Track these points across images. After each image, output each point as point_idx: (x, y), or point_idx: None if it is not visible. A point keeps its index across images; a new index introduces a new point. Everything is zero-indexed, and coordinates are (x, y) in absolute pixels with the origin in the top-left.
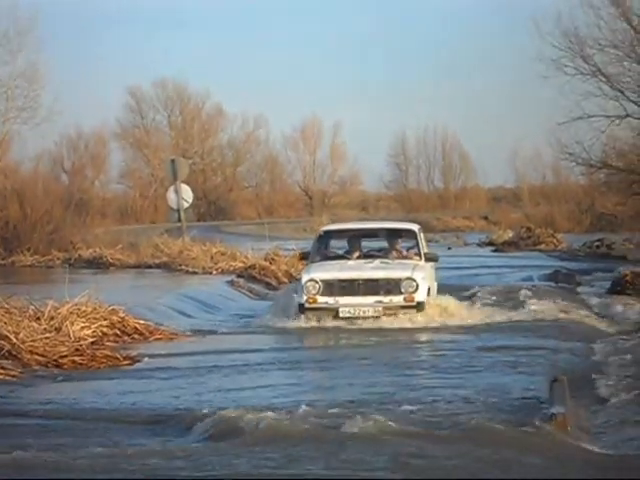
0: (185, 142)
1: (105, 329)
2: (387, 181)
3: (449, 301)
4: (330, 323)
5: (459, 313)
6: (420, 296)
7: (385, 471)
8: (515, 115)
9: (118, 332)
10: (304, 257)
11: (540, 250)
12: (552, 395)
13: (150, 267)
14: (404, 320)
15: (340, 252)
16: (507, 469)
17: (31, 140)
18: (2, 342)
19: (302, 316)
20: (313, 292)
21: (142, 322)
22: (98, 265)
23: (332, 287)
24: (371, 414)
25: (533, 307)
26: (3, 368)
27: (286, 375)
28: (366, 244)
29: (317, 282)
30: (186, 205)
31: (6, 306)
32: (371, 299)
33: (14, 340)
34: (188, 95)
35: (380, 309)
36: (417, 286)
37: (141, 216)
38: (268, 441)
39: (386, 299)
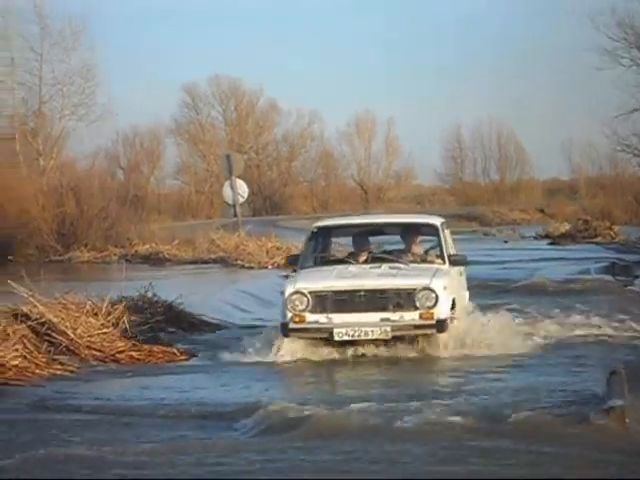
0: (240, 137)
1: (162, 324)
2: (442, 174)
3: (481, 319)
4: (317, 355)
5: (499, 336)
6: (442, 312)
7: (438, 465)
8: (569, 107)
9: (175, 326)
10: (292, 261)
11: (597, 242)
12: (610, 388)
13: (206, 262)
14: (411, 348)
15: (342, 255)
16: (566, 463)
17: (87, 137)
18: (60, 337)
19: (285, 342)
20: (300, 308)
21: (198, 317)
22: (154, 261)
23: (325, 301)
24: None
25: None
26: (61, 363)
27: None
28: (386, 241)
29: (305, 295)
30: (241, 200)
31: (63, 302)
32: (376, 316)
33: (72, 335)
34: (242, 91)
35: (388, 329)
36: (437, 299)
37: (197, 212)
38: (317, 436)
39: (396, 316)
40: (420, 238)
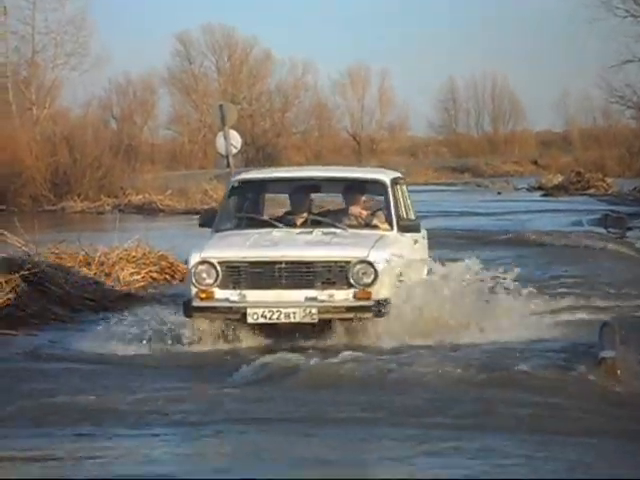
0: (233, 88)
1: (155, 274)
2: (436, 126)
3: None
4: (225, 343)
5: (461, 318)
6: (382, 291)
7: (426, 415)
8: (563, 59)
9: (168, 277)
10: (205, 222)
11: (590, 194)
12: (601, 340)
13: (199, 212)
14: (352, 332)
15: (275, 216)
16: (555, 414)
17: (80, 87)
18: (53, 287)
19: (188, 325)
20: (207, 282)
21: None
22: (148, 211)
23: (238, 274)
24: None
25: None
26: (54, 313)
27: None
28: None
29: (213, 266)
30: (235, 151)
31: (57, 252)
32: (300, 294)
33: (65, 285)
34: (236, 40)
35: (314, 311)
36: (376, 274)
37: (190, 162)
38: (310, 385)
39: (324, 295)
40: (364, 198)
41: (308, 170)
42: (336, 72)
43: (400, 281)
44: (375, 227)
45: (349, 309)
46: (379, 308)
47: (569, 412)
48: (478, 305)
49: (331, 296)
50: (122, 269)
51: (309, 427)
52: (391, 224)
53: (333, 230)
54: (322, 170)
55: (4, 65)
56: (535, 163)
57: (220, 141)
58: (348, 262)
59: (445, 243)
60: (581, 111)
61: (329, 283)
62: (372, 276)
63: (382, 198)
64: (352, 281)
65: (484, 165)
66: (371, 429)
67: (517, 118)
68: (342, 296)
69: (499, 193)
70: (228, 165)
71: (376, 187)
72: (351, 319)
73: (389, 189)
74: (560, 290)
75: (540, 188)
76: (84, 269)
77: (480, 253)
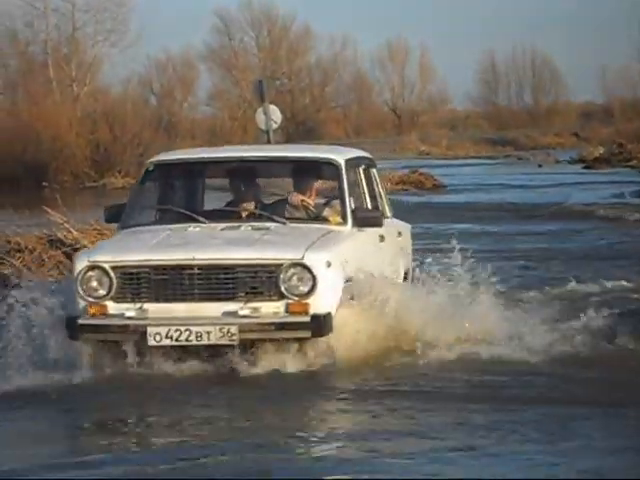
0: (273, 63)
1: None
2: (476, 98)
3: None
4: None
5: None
6: (322, 303)
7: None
8: (604, 30)
9: None
10: (111, 217)
11: (632, 166)
12: None
13: None
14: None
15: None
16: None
17: (120, 63)
18: None
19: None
20: (99, 293)
21: None
22: None
23: (138, 283)
24: None
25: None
26: None
27: None
28: None
29: (106, 272)
30: (275, 126)
31: (98, 227)
32: (217, 308)
33: None
34: (275, 15)
35: (233, 330)
36: (314, 281)
37: (230, 138)
38: None
39: (247, 309)
40: (317, 183)
41: (241, 150)
42: (376, 46)
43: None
44: (325, 220)
45: (279, 327)
46: (319, 325)
47: None
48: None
49: (256, 310)
50: None
51: None
52: (344, 217)
53: (268, 225)
54: (259, 150)
55: (45, 43)
56: (576, 135)
57: (260, 116)
58: (278, 266)
59: (487, 217)
60: (622, 82)
61: (255, 293)
62: (309, 283)
63: (337, 185)
64: (284, 290)
65: (525, 138)
66: None
67: (558, 90)
68: (271, 310)
69: (540, 166)
70: (269, 141)
71: (326, 170)
72: (282, 340)
73: (342, 172)
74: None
75: (581, 160)
76: None
77: (524, 227)
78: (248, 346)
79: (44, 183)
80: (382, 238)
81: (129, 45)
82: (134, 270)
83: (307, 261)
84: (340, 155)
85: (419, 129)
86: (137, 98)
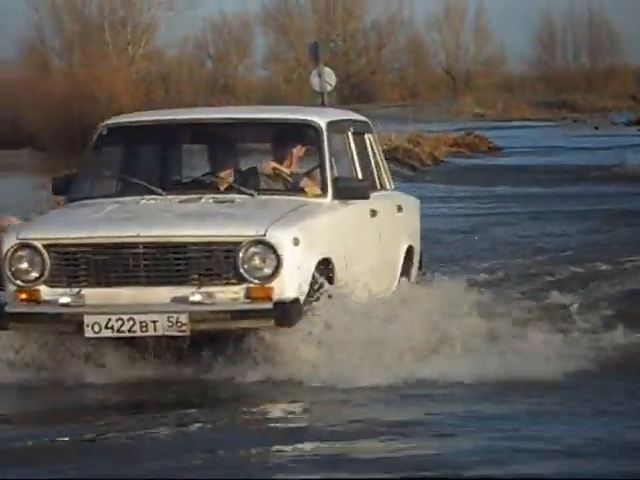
0: (328, 25)
1: None
2: (532, 61)
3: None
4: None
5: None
6: (288, 287)
7: None
8: None
9: None
10: (60, 189)
11: None
12: None
13: None
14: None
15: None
16: None
17: (176, 26)
18: None
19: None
20: (30, 276)
21: None
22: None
23: (75, 264)
24: None
25: None
26: None
27: None
28: None
29: (38, 251)
30: (329, 88)
31: None
32: (166, 294)
33: None
34: None
35: (183, 319)
36: (279, 261)
37: (286, 100)
38: None
39: (199, 294)
40: (297, 149)
41: (206, 111)
42: (432, 7)
43: (329, 277)
44: (301, 192)
45: (237, 315)
46: (284, 313)
47: None
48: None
49: (211, 296)
50: None
51: None
52: (324, 187)
53: (233, 197)
54: (226, 111)
55: (101, 6)
56: (633, 98)
57: (315, 79)
58: (237, 244)
59: (543, 180)
60: None
61: (210, 276)
62: (273, 264)
63: (316, 150)
64: (243, 272)
65: (581, 100)
66: None
67: (615, 52)
68: (228, 295)
69: (596, 128)
70: (323, 103)
71: (305, 133)
72: (240, 331)
73: (323, 136)
74: None
75: (638, 123)
76: None
77: (582, 189)
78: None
79: None
80: (373, 213)
81: (185, 8)
82: (71, 249)
83: (270, 238)
84: (321, 117)
85: (474, 91)
86: (192, 61)
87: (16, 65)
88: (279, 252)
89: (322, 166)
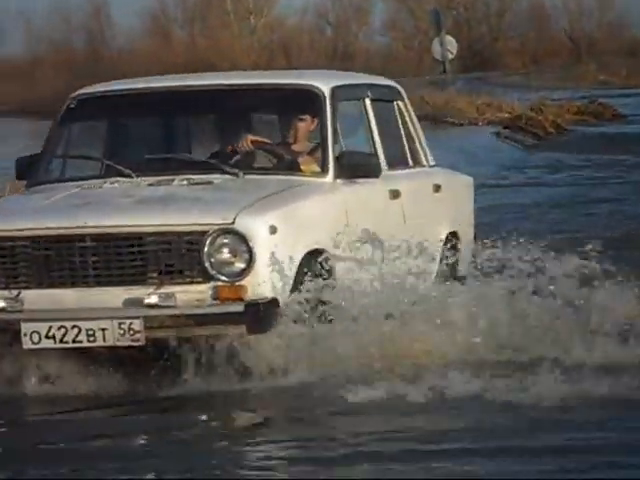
0: None
1: None
2: None
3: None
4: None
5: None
6: (263, 286)
7: None
8: None
9: None
10: (24, 171)
11: None
12: None
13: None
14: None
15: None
16: None
17: None
18: None
19: None
20: None
21: None
22: None
23: (13, 261)
24: None
25: None
26: None
27: None
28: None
29: None
30: (451, 56)
31: None
32: (117, 295)
33: None
34: None
35: (137, 325)
36: (251, 255)
37: (406, 68)
38: None
39: (159, 295)
40: (307, 124)
41: (191, 78)
42: None
43: (326, 271)
44: (296, 170)
45: (201, 320)
46: (257, 317)
47: None
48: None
49: (171, 297)
50: None
51: None
52: (324, 164)
53: (213, 178)
54: (211, 77)
55: None
56: None
57: (436, 47)
58: (202, 234)
59: None
60: None
61: (171, 274)
62: (245, 258)
63: (316, 120)
64: (209, 268)
65: None
66: None
67: None
68: (193, 296)
69: None
70: (444, 71)
71: (303, 101)
72: (207, 338)
73: (326, 104)
74: None
75: None
76: None
77: None
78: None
79: None
80: (395, 194)
81: None
82: (7, 244)
83: (239, 226)
84: (324, 81)
85: (597, 58)
86: (313, 28)
87: (139, 35)
88: (251, 243)
89: (323, 139)
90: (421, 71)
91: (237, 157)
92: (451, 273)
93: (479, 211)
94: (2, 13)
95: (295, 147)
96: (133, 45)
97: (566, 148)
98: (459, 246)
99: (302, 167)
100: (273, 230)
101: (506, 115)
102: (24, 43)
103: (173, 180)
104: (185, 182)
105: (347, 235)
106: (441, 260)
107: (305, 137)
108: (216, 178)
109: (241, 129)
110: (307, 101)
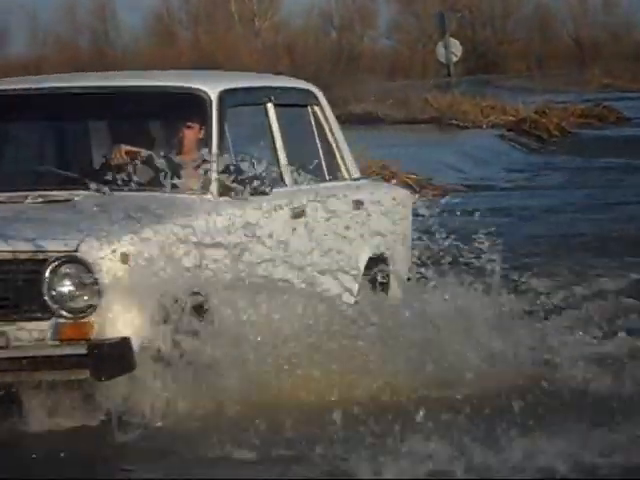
0: None
1: None
2: None
3: None
4: None
5: None
6: (112, 323)
7: None
8: None
9: None
10: None
11: None
12: None
13: (420, 122)
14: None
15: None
16: None
17: None
18: None
19: None
20: None
21: (413, 177)
22: (368, 120)
23: None
24: None
25: None
26: None
27: None
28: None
29: None
30: (455, 59)
31: None
32: None
33: None
34: None
35: None
36: (99, 287)
37: (410, 71)
38: None
39: None
40: (194, 133)
41: (71, 78)
42: None
43: (196, 307)
44: (173, 187)
45: (38, 363)
46: (102, 359)
47: None
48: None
49: (5, 336)
50: None
51: None
52: (206, 180)
53: (74, 194)
54: (85, 79)
55: None
56: None
57: (440, 50)
58: (41, 262)
59: None
60: None
61: (5, 308)
62: (90, 291)
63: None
64: (50, 302)
65: None
66: None
67: None
68: (31, 335)
69: None
70: (449, 74)
71: (186, 107)
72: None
73: (212, 111)
74: None
75: None
76: None
77: None
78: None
79: None
80: (298, 213)
81: None
82: None
83: (84, 254)
84: (211, 84)
85: (602, 61)
86: (317, 31)
87: (143, 35)
88: (97, 274)
89: (209, 150)
90: (426, 74)
91: (109, 170)
92: (375, 303)
93: (484, 213)
94: (7, 12)
95: (181, 159)
96: (138, 45)
97: (570, 151)
98: (389, 270)
99: (184, 182)
100: (124, 259)
101: (510, 118)
102: (29, 42)
103: (26, 197)
104: (40, 200)
105: (231, 262)
106: (361, 289)
107: (194, 148)
108: (78, 195)
109: (116, 138)
110: (191, 107)
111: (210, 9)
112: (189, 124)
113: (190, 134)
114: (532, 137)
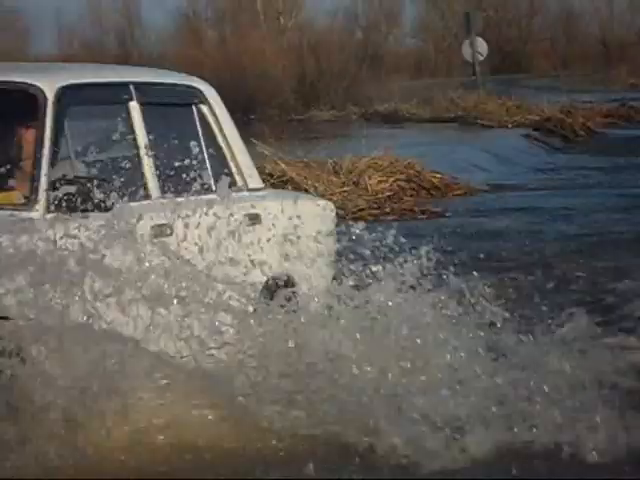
0: None
1: (402, 183)
2: None
3: None
4: None
5: None
6: None
7: None
8: None
9: (415, 186)
10: None
11: None
12: None
13: (445, 121)
14: None
15: None
16: None
17: None
18: None
19: None
20: None
21: (438, 176)
22: (393, 119)
23: None
24: None
25: None
26: None
27: None
28: None
29: None
30: (481, 58)
31: (305, 160)
32: None
33: (313, 193)
34: None
35: None
36: None
37: (435, 70)
38: None
39: None
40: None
41: None
42: None
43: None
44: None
45: None
46: None
47: None
48: None
49: None
50: (369, 177)
51: None
52: (31, 194)
53: None
54: None
55: None
56: None
57: (466, 49)
58: None
59: None
60: None
61: None
62: None
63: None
64: None
65: None
66: None
67: None
68: None
69: None
70: (474, 73)
71: (19, 104)
72: None
73: (47, 110)
74: None
75: None
76: (332, 177)
77: None
78: None
79: (252, 116)
80: (160, 231)
81: None
82: None
83: None
84: (50, 78)
85: (628, 60)
86: (343, 30)
87: (169, 35)
88: None
89: (37, 157)
90: (451, 73)
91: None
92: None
93: (509, 212)
94: (34, 13)
95: (18, 166)
96: (164, 45)
97: (596, 151)
98: (293, 293)
99: (7, 195)
100: None
101: (536, 117)
102: (55, 43)
103: None
104: None
105: (60, 297)
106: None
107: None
108: None
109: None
110: (25, 105)
111: (236, 8)
112: (29, 124)
113: (29, 137)
114: (557, 137)
